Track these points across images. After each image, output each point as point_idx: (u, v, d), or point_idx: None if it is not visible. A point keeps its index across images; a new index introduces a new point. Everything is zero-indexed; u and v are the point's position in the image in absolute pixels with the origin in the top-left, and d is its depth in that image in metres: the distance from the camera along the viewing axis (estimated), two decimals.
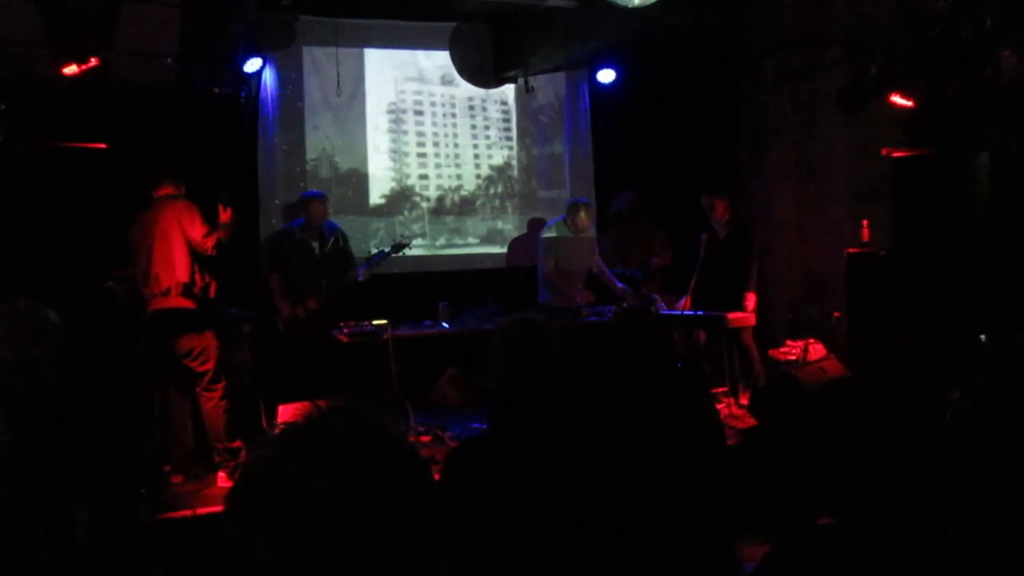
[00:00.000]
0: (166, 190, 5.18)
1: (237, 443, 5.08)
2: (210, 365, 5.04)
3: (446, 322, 6.44)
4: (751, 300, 6.32)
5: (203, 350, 5.05)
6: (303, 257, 6.10)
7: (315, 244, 6.15)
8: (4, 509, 2.15)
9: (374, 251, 6.62)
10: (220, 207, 5.09)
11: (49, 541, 2.25)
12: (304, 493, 0.90)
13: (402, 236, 6.92)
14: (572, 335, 5.93)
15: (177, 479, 5.10)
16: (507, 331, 2.72)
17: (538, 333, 2.67)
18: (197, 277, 5.06)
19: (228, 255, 5.22)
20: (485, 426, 5.28)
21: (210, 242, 5.01)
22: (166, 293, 5.01)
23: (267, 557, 0.90)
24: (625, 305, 6.37)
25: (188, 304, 5.03)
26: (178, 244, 5.01)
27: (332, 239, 6.23)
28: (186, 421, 5.23)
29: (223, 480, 4.98)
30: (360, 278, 6.06)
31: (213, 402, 5.05)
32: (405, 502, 0.94)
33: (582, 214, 6.58)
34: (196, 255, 5.06)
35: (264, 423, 5.47)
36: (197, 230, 5.02)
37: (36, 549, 2.21)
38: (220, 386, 5.07)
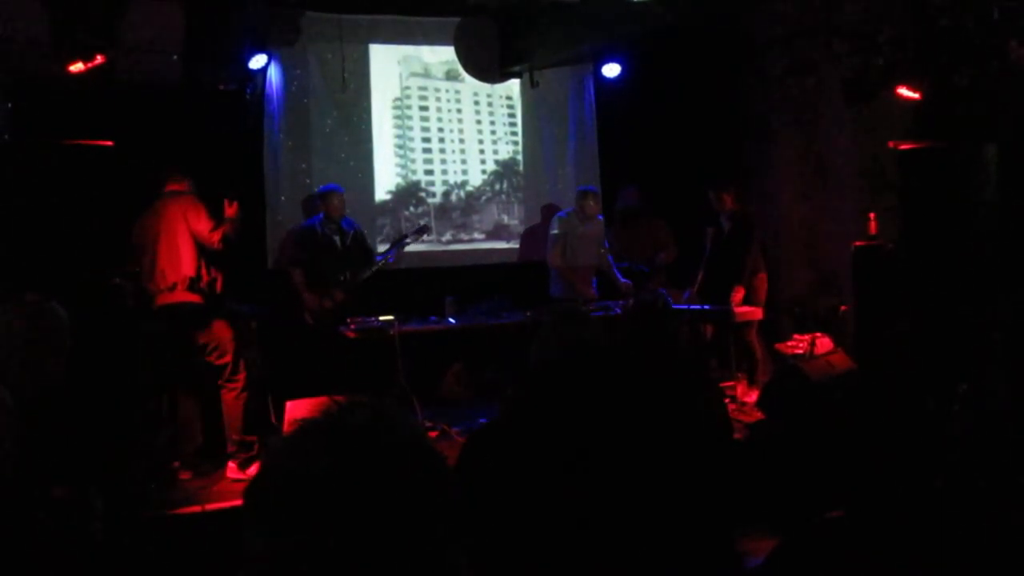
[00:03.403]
0: (172, 186, 5.20)
1: (252, 436, 5.11)
2: (228, 358, 5.09)
3: (452, 317, 6.44)
4: (739, 294, 6.31)
5: (218, 344, 5.09)
6: (327, 251, 6.19)
7: (336, 238, 6.24)
8: (15, 499, 2.16)
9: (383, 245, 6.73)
10: (225, 202, 5.12)
11: (62, 532, 2.27)
12: (322, 487, 0.91)
13: (422, 222, 7.03)
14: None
15: (186, 475, 5.11)
16: (554, 322, 2.69)
17: (583, 323, 2.64)
18: (203, 272, 5.08)
19: (234, 251, 5.24)
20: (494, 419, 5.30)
21: (217, 236, 5.03)
22: (172, 288, 5.02)
23: (285, 550, 0.91)
24: (632, 301, 6.38)
25: (194, 299, 5.05)
26: (184, 239, 5.03)
27: (352, 233, 6.32)
28: (195, 417, 5.25)
29: (232, 471, 5.01)
30: (391, 259, 6.26)
31: (235, 393, 5.10)
32: (422, 496, 0.94)
33: (590, 201, 6.75)
34: (202, 250, 5.08)
35: (273, 419, 5.49)
36: (203, 224, 5.04)
37: (48, 540, 2.22)
38: (241, 377, 5.13)
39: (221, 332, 5.11)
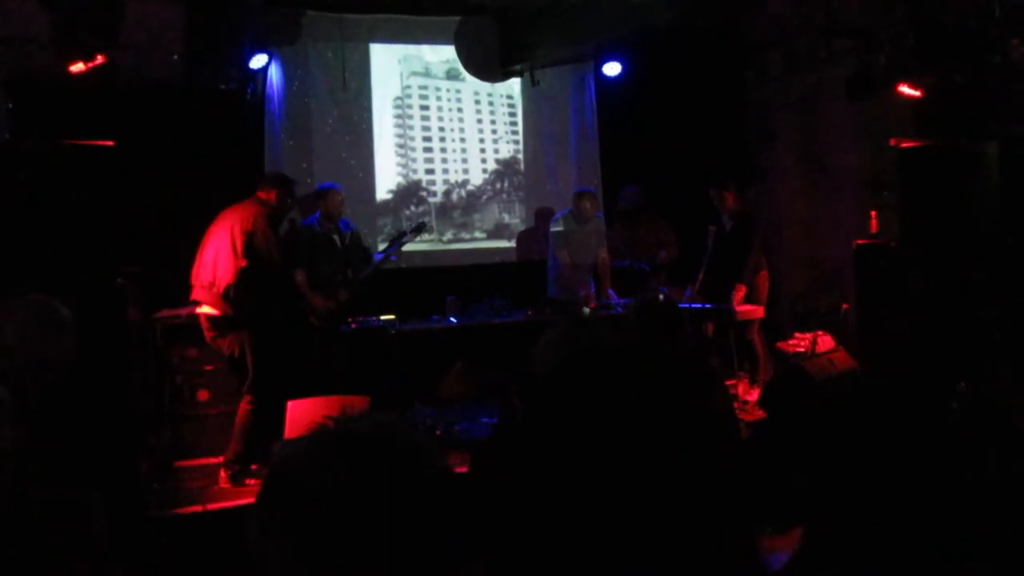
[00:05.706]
0: (260, 193, 5.25)
1: (246, 449, 5.09)
2: (243, 372, 5.09)
3: (454, 317, 6.44)
4: (740, 292, 6.32)
5: (233, 357, 5.10)
6: (328, 250, 6.12)
7: (336, 237, 6.18)
8: (17, 499, 2.16)
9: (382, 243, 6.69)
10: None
11: (64, 531, 2.27)
12: (330, 494, 0.93)
13: (421, 219, 6.97)
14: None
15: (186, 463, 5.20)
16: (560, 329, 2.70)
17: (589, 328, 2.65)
18: (236, 288, 5.04)
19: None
20: (494, 421, 5.30)
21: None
22: (206, 295, 5.05)
23: (293, 555, 0.93)
24: (641, 296, 6.37)
25: (221, 311, 5.06)
26: (226, 250, 5.01)
27: (349, 233, 6.27)
28: (202, 418, 5.28)
29: (223, 481, 5.02)
30: (394, 257, 6.18)
31: (251, 407, 5.09)
32: (429, 504, 0.97)
33: (585, 202, 6.75)
34: (241, 267, 5.04)
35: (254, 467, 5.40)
36: (273, 248, 5.13)
37: (51, 539, 2.22)
38: (249, 390, 5.09)
39: (241, 347, 5.09)
